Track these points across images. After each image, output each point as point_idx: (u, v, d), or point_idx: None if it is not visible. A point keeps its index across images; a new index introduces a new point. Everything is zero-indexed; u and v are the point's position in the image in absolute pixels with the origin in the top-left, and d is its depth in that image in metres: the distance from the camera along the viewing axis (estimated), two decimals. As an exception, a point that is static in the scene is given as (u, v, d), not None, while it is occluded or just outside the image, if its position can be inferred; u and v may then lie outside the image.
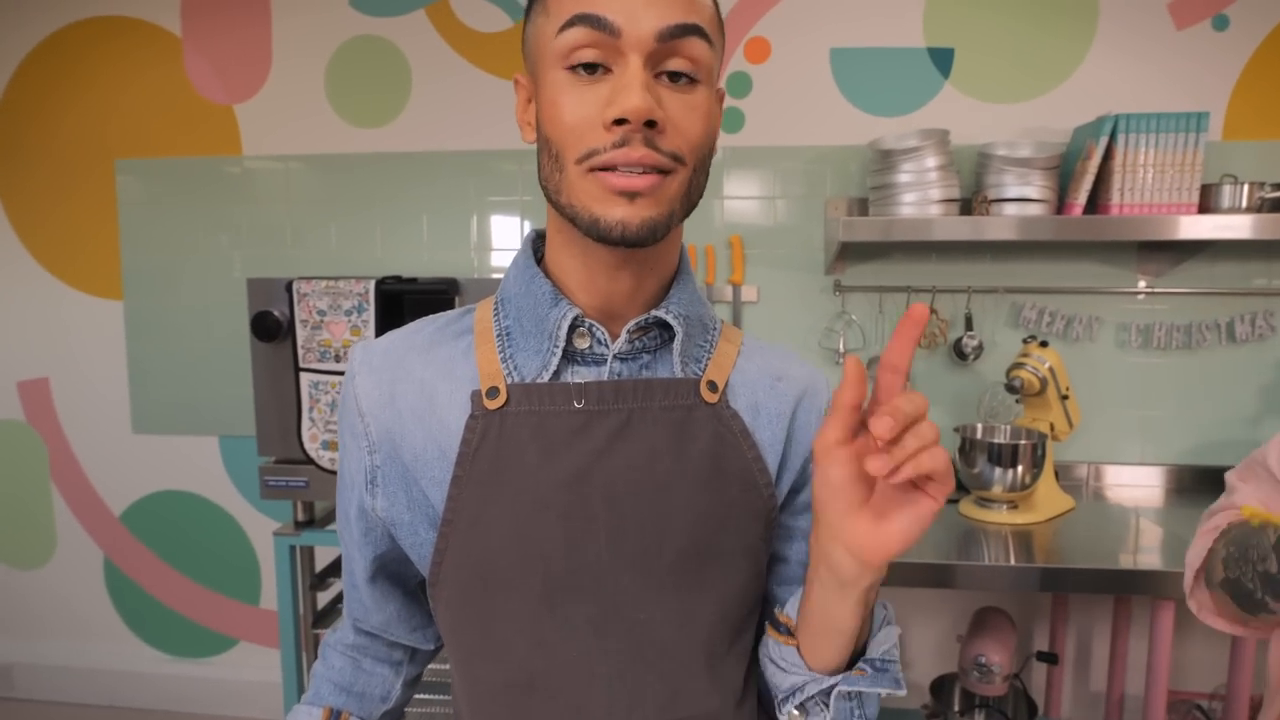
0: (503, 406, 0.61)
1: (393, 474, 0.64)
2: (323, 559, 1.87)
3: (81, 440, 2.38)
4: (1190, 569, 0.97)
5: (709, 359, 0.66)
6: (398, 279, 1.64)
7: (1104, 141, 1.73)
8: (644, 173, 0.54)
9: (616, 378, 0.62)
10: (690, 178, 0.57)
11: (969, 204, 1.85)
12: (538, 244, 0.67)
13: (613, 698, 0.62)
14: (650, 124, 0.53)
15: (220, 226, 2.23)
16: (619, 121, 0.52)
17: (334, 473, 1.64)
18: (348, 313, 1.60)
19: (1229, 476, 1.03)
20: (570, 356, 0.63)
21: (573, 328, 0.62)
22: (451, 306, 1.64)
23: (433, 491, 0.63)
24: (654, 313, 0.62)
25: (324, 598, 1.86)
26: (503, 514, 0.60)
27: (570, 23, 0.53)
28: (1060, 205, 1.81)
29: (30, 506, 2.42)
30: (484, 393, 0.61)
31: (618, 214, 0.54)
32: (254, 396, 1.70)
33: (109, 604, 2.45)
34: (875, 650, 0.61)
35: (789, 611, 0.64)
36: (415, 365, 0.64)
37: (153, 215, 2.25)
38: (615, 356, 0.63)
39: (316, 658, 0.76)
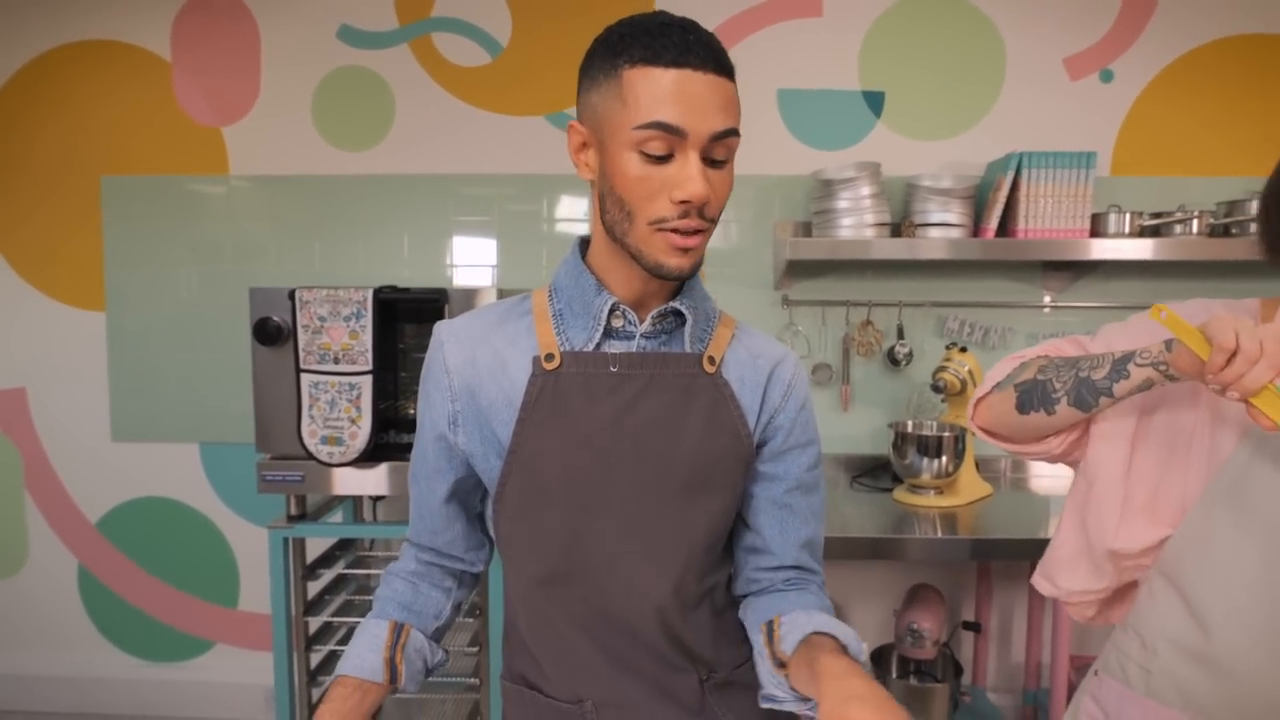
0: (557, 368, 0.81)
1: (470, 416, 0.84)
2: (313, 551, 1.98)
3: (58, 449, 2.44)
4: (990, 381, 1.00)
5: (710, 339, 0.86)
6: (393, 288, 1.80)
7: (1010, 175, 2.01)
8: (693, 234, 0.75)
9: (642, 350, 0.83)
10: (715, 226, 0.79)
11: (898, 228, 2.11)
12: (583, 246, 0.87)
13: (629, 587, 0.83)
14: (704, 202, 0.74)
15: (206, 242, 2.34)
16: (684, 200, 0.73)
17: (330, 465, 1.78)
18: (346, 319, 1.75)
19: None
20: (608, 333, 0.83)
21: (611, 311, 0.82)
22: (441, 314, 1.81)
23: (501, 430, 0.82)
24: (672, 304, 0.83)
25: (314, 588, 1.97)
26: (554, 447, 0.80)
27: (650, 125, 0.71)
28: (975, 229, 2.08)
29: (1, 516, 2.46)
30: (543, 357, 0.81)
31: (675, 262, 0.76)
32: (253, 397, 1.82)
33: (83, 612, 2.48)
34: None
35: (785, 648, 0.81)
36: (491, 337, 0.85)
37: (138, 230, 2.35)
38: (642, 335, 0.83)
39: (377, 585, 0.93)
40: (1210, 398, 0.85)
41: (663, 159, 0.73)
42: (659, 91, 0.71)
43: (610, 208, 0.77)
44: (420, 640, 0.90)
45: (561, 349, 0.82)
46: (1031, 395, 0.91)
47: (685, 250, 0.76)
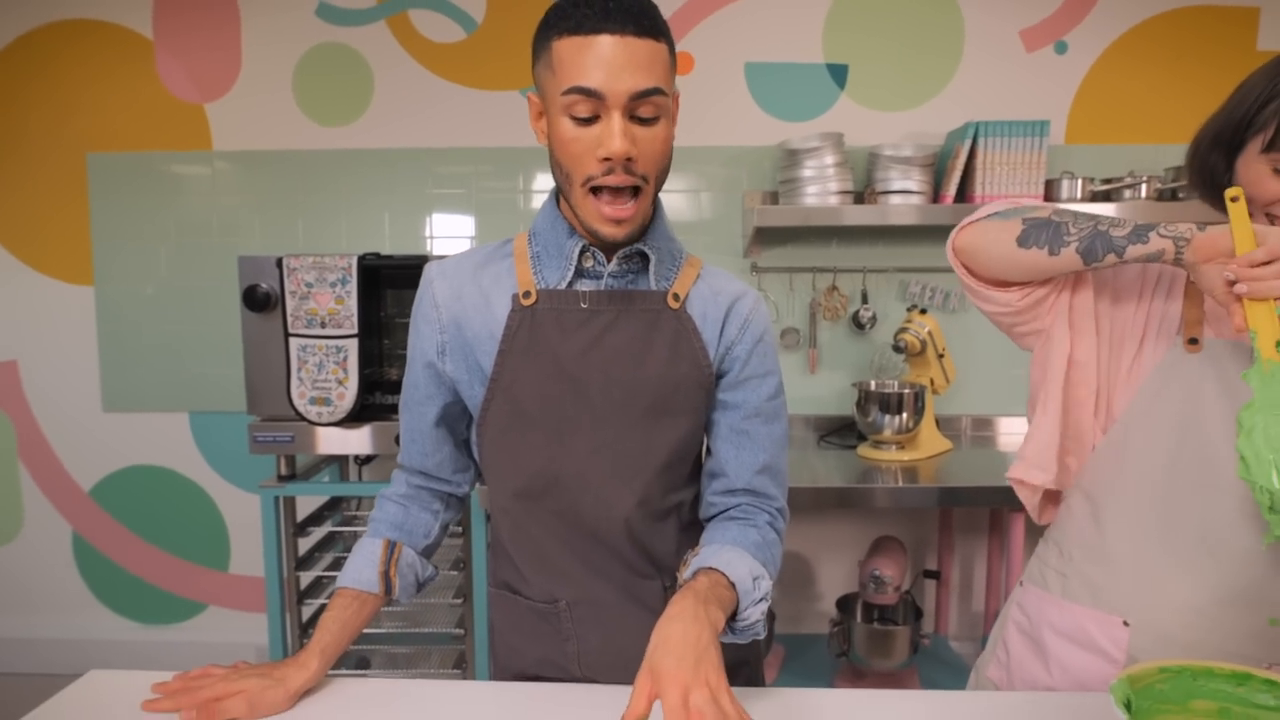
0: (534, 304, 0.90)
1: (456, 347, 0.93)
2: (303, 510, 2.07)
3: (51, 420, 2.50)
4: (985, 211, 0.97)
5: (675, 278, 0.95)
6: (377, 255, 1.87)
7: (968, 143, 2.10)
8: (627, 200, 0.82)
9: (610, 288, 0.92)
10: (655, 184, 0.87)
11: (861, 196, 2.20)
12: (559, 195, 0.94)
13: (598, 500, 0.92)
14: (627, 158, 0.81)
15: (191, 217, 2.40)
16: (606, 158, 0.80)
17: (318, 424, 1.86)
18: (332, 284, 1.82)
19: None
20: (580, 272, 0.91)
21: (581, 252, 0.90)
22: (422, 280, 1.89)
23: (484, 360, 0.92)
24: (637, 245, 0.91)
25: (304, 545, 2.06)
26: (532, 375, 0.90)
27: (569, 90, 0.79)
28: (935, 196, 2.18)
29: (-3, 485, 2.52)
30: (521, 294, 0.90)
31: (609, 231, 0.85)
32: (244, 362, 1.89)
33: (78, 576, 2.56)
34: (738, 623, 0.85)
35: (685, 575, 0.89)
36: (477, 276, 0.93)
37: (124, 206, 2.40)
38: (609, 274, 0.92)
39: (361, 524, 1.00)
40: (1152, 323, 0.91)
41: (589, 120, 0.80)
42: (578, 57, 0.78)
43: (555, 170, 0.86)
44: (411, 556, 1.00)
45: (538, 287, 0.91)
46: (1041, 231, 0.89)
47: (618, 221, 0.83)
